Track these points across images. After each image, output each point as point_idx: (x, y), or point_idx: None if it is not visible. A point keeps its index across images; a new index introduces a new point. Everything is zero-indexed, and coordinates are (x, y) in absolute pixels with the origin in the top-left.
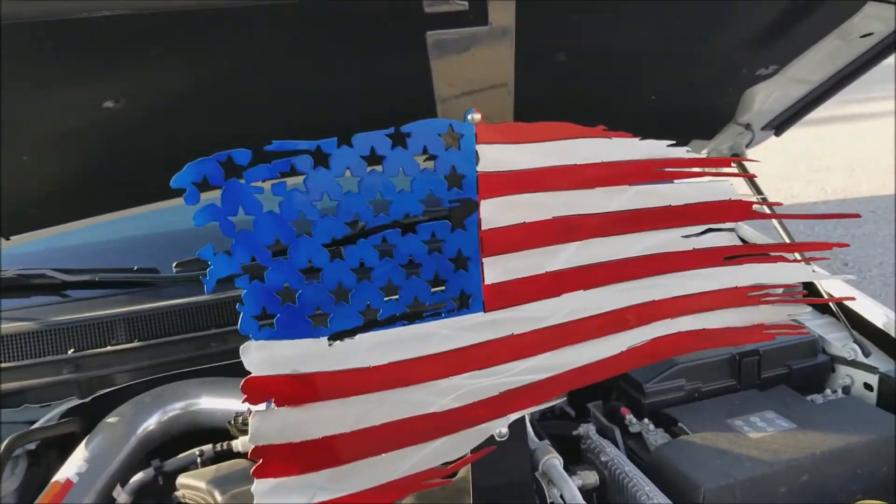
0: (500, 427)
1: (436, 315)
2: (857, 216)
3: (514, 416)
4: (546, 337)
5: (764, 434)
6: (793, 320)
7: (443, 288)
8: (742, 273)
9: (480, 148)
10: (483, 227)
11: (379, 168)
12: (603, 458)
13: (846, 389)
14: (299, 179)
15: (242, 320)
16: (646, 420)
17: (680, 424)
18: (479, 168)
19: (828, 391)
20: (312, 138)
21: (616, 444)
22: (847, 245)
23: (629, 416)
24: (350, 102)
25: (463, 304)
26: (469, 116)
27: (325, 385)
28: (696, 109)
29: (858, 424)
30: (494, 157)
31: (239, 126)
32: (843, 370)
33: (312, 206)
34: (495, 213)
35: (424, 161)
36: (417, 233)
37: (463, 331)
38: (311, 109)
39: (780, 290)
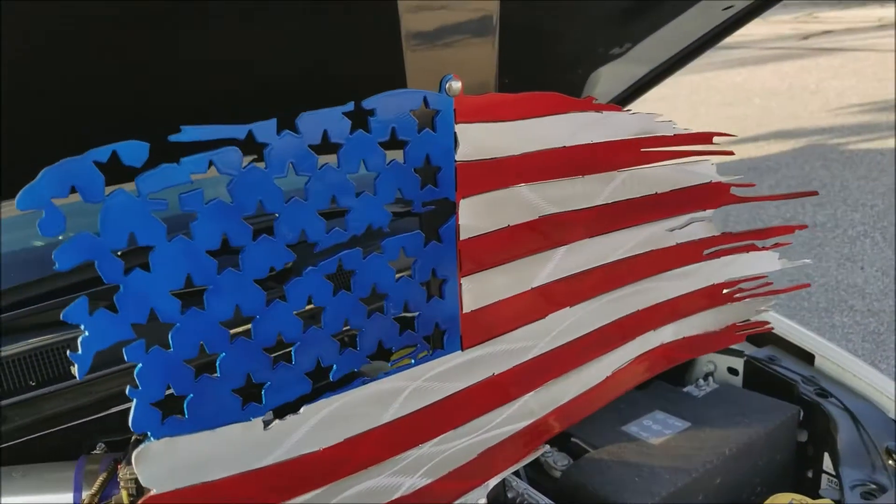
0: (478, 499)
1: (402, 365)
2: (815, 193)
3: (493, 482)
4: (529, 372)
5: (665, 438)
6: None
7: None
8: (717, 268)
9: (460, 129)
10: (462, 236)
11: (332, 161)
12: (510, 495)
13: (708, 376)
14: (222, 185)
15: (136, 412)
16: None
17: (574, 440)
18: (459, 156)
19: (700, 381)
20: (239, 116)
21: (517, 475)
22: (805, 226)
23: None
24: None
25: (436, 343)
26: (447, 85)
27: (261, 490)
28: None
29: (751, 414)
30: (475, 140)
31: (131, 95)
32: (704, 357)
33: (241, 224)
34: (475, 215)
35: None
36: (384, 251)
37: (435, 381)
38: (232, 71)
39: (751, 284)
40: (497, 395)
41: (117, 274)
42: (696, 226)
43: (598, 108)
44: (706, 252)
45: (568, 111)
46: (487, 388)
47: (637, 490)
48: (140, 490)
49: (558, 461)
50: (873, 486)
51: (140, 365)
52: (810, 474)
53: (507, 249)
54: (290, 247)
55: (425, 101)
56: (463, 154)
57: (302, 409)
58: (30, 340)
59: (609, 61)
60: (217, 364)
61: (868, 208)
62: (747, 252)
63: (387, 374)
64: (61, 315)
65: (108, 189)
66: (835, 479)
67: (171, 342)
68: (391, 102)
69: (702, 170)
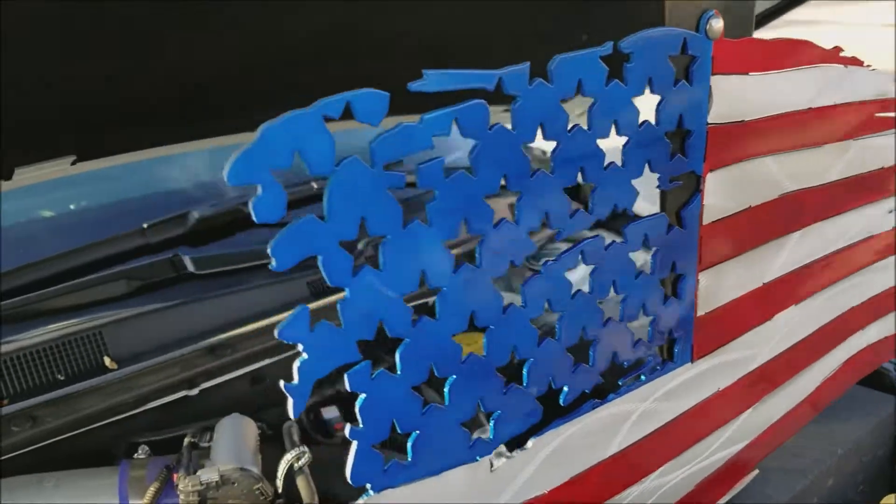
0: None
1: (632, 382)
2: None
3: None
4: (750, 386)
5: None
6: None
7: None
8: None
9: (715, 82)
10: (704, 220)
11: (581, 120)
12: None
13: None
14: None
15: (357, 458)
16: None
17: None
18: (711, 117)
19: None
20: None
21: None
22: None
23: None
24: None
25: (668, 354)
26: (709, 23)
27: None
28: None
29: (854, 408)
30: (729, 97)
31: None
32: None
33: (483, 205)
34: (721, 193)
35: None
36: (626, 240)
37: (662, 400)
38: None
39: None
40: (719, 415)
41: (345, 274)
42: None
43: (844, 62)
44: None
45: (817, 63)
46: (710, 408)
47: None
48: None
49: None
50: None
51: (364, 396)
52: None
53: (746, 236)
54: None
55: (684, 43)
56: (716, 115)
57: (530, 443)
58: (53, 327)
59: None
60: (447, 389)
61: None
62: None
63: (617, 394)
64: (276, 332)
65: None
66: None
67: (399, 363)
68: (650, 45)
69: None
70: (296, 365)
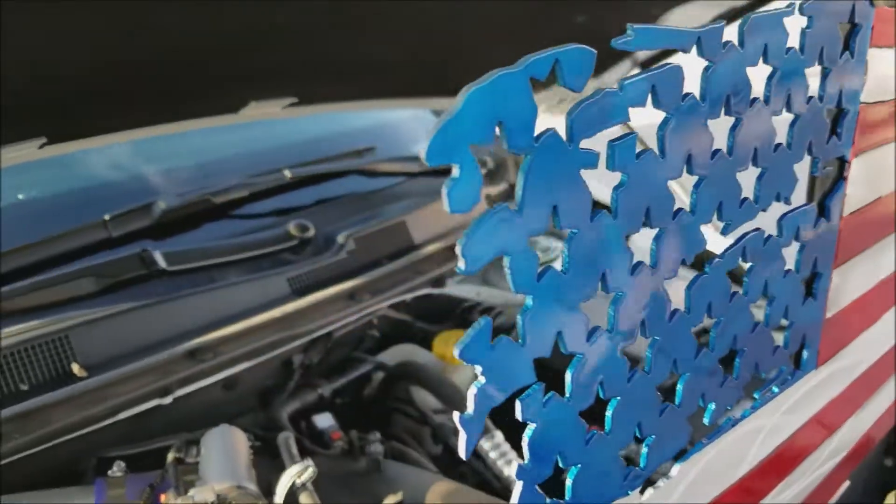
0: None
1: (766, 394)
2: None
3: None
4: (857, 391)
5: None
6: None
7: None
8: None
9: (872, 55)
10: (845, 212)
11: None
12: None
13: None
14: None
15: (522, 499)
16: None
17: None
18: (863, 97)
19: None
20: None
21: None
22: None
23: None
24: None
25: (796, 362)
26: None
27: None
28: (608, 37)
29: None
30: (880, 73)
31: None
32: None
33: (667, 192)
34: (862, 181)
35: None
36: (781, 233)
37: (787, 414)
38: None
39: None
40: (828, 426)
41: (531, 277)
42: None
43: None
44: None
45: None
46: (823, 418)
47: None
48: None
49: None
50: None
51: (535, 426)
52: (889, 463)
53: (874, 230)
54: None
55: (853, 10)
56: (867, 92)
57: (675, 469)
58: (12, 330)
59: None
60: (609, 413)
61: None
62: None
63: (752, 408)
64: (457, 352)
65: None
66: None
67: (570, 384)
68: (827, 9)
69: None
70: (472, 392)
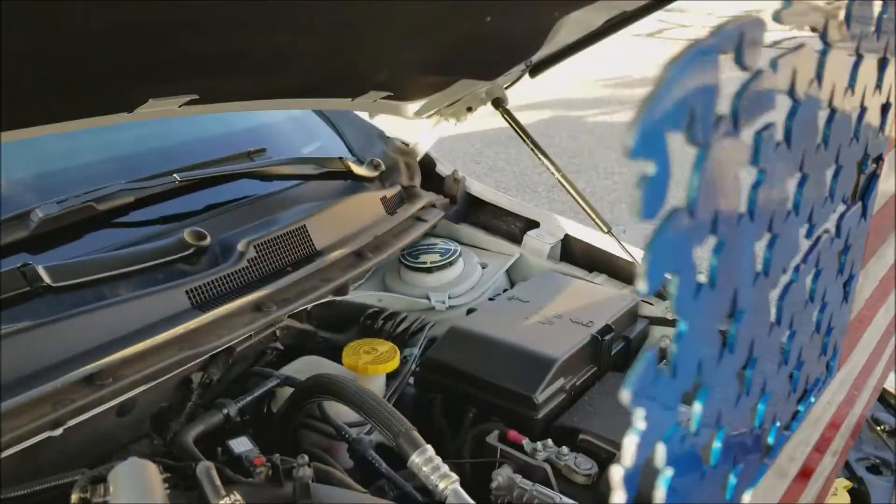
0: None
1: (802, 402)
2: None
3: None
4: (855, 391)
5: None
6: None
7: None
8: None
9: None
10: (875, 207)
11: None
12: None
13: (663, 352)
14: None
15: None
16: (550, 442)
17: (586, 437)
18: None
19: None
20: None
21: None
22: None
23: (526, 442)
24: None
25: (826, 367)
26: None
27: None
28: (512, 37)
29: None
30: None
31: None
32: (657, 331)
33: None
34: (889, 176)
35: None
36: (838, 233)
37: (809, 424)
38: None
39: None
40: (837, 425)
41: (692, 297)
42: None
43: None
44: None
45: None
46: (835, 420)
47: None
48: None
49: (583, 465)
50: (877, 460)
51: (671, 472)
52: None
53: (889, 225)
54: None
55: None
56: None
57: (747, 497)
58: None
59: (586, 5)
60: (717, 445)
61: (617, 176)
62: None
63: (798, 420)
64: (629, 393)
65: None
66: None
67: (698, 416)
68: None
69: None
70: (632, 441)
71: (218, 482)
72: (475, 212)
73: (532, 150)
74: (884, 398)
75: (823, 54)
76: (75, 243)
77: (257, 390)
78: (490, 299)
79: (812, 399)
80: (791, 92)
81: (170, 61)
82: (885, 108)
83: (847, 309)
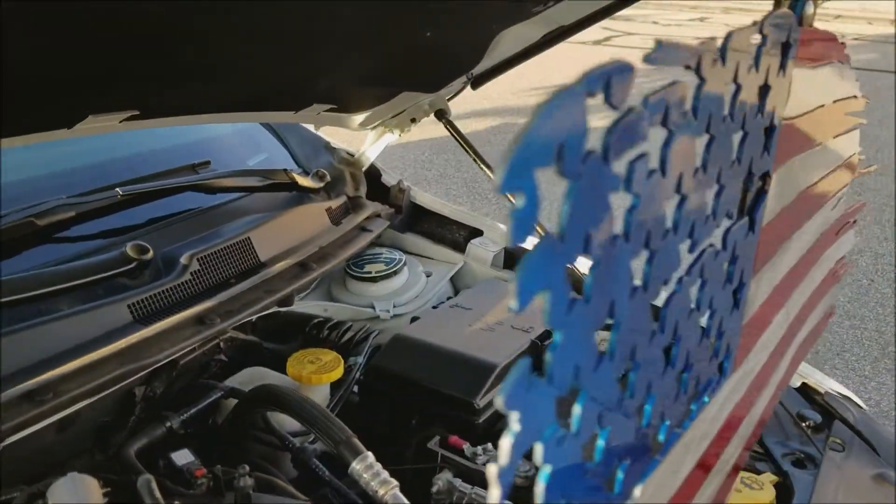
0: None
1: (694, 401)
2: None
3: None
4: (753, 392)
5: None
6: None
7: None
8: (838, 245)
9: (796, 72)
10: (765, 220)
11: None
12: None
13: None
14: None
15: None
16: (490, 446)
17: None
18: (786, 111)
19: None
20: None
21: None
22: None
23: (467, 447)
24: None
25: (720, 370)
26: (806, 6)
27: None
28: (452, 51)
29: None
30: (799, 89)
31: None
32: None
33: None
34: (777, 193)
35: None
36: (724, 246)
37: (704, 422)
38: None
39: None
40: (734, 424)
41: (565, 309)
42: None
43: (846, 59)
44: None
45: (841, 60)
46: (732, 418)
47: None
48: None
49: (520, 467)
50: (801, 455)
51: (549, 469)
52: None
53: (778, 239)
54: None
55: (789, 29)
56: (790, 107)
57: (638, 491)
58: None
59: (523, 19)
60: (601, 444)
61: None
62: (851, 229)
63: (691, 419)
64: (502, 401)
65: None
66: (758, 452)
67: (577, 418)
68: (775, 28)
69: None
70: (506, 443)
71: (158, 495)
72: (420, 221)
73: (474, 159)
74: (809, 395)
75: (699, 89)
76: (15, 259)
77: (201, 402)
78: (434, 307)
79: (706, 399)
80: (665, 123)
81: (107, 77)
82: (769, 131)
83: (739, 314)
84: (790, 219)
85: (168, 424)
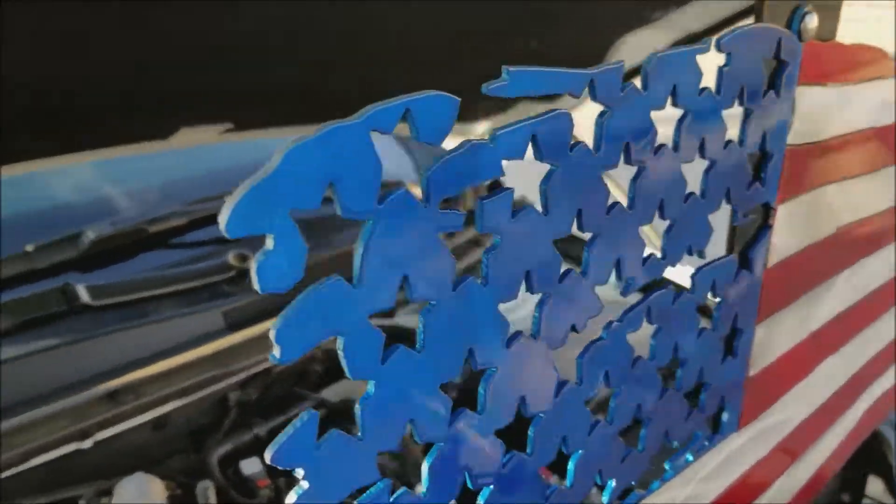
0: None
1: (678, 463)
2: None
3: None
4: (784, 451)
5: None
6: None
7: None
8: None
9: (799, 94)
10: (770, 262)
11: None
12: None
13: None
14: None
15: None
16: None
17: None
18: (790, 137)
19: None
20: None
21: None
22: None
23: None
24: None
25: (714, 426)
26: (803, 20)
27: None
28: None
29: None
30: (810, 112)
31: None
32: None
33: None
34: (789, 228)
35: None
36: (694, 289)
37: (704, 482)
38: None
39: None
40: (752, 491)
41: (374, 361)
42: None
43: None
44: None
45: (889, 75)
46: (747, 483)
47: None
48: None
49: None
50: None
51: None
52: (847, 499)
53: (804, 279)
54: None
55: (778, 45)
56: (795, 133)
57: None
58: None
59: (641, 26)
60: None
61: None
62: None
63: (662, 479)
64: (269, 457)
65: None
66: None
67: (427, 478)
68: (749, 45)
69: None
70: (289, 501)
71: (213, 500)
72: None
73: None
74: None
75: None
76: (124, 264)
77: (290, 412)
78: None
79: (689, 457)
80: (542, 156)
81: (201, 90)
82: (764, 159)
83: (739, 364)
84: (827, 257)
85: (255, 432)
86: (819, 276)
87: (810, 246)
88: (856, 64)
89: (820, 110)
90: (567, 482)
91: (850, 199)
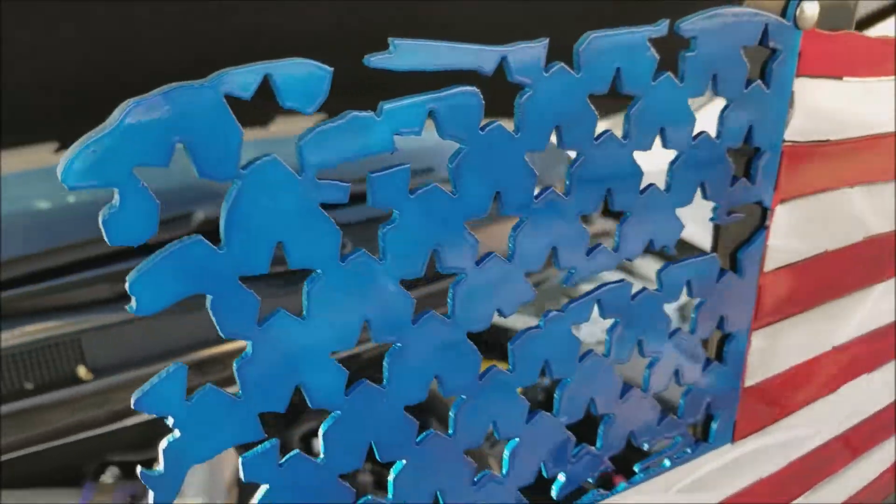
0: None
1: (649, 467)
2: None
3: None
4: (804, 470)
5: None
6: None
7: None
8: None
9: (799, 86)
10: (767, 266)
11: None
12: None
13: None
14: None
15: None
16: None
17: None
18: (788, 133)
19: None
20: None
21: None
22: None
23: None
24: None
25: (703, 434)
26: (800, 7)
27: None
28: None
29: None
30: (814, 107)
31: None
32: None
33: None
34: (791, 232)
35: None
36: (662, 287)
37: (687, 492)
38: None
39: None
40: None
41: (246, 322)
42: None
43: None
44: None
45: None
46: (743, 500)
47: None
48: None
49: None
50: None
51: (267, 487)
52: None
53: (818, 288)
54: None
55: (765, 31)
56: (795, 130)
57: None
58: (27, 330)
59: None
60: (392, 479)
61: None
62: None
63: (630, 483)
64: (133, 403)
65: None
66: None
67: (323, 444)
68: (720, 29)
69: None
70: (162, 447)
71: None
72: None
73: None
74: None
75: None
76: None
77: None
78: None
79: (666, 463)
80: (444, 133)
81: None
82: (753, 155)
83: (729, 372)
84: (853, 267)
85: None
86: (843, 287)
87: (829, 253)
88: (882, 58)
89: (835, 106)
90: (503, 470)
91: (883, 206)
